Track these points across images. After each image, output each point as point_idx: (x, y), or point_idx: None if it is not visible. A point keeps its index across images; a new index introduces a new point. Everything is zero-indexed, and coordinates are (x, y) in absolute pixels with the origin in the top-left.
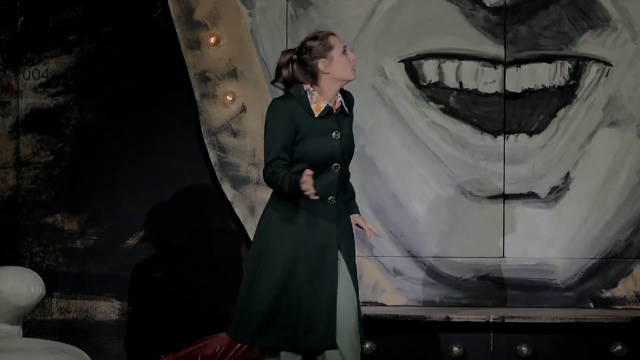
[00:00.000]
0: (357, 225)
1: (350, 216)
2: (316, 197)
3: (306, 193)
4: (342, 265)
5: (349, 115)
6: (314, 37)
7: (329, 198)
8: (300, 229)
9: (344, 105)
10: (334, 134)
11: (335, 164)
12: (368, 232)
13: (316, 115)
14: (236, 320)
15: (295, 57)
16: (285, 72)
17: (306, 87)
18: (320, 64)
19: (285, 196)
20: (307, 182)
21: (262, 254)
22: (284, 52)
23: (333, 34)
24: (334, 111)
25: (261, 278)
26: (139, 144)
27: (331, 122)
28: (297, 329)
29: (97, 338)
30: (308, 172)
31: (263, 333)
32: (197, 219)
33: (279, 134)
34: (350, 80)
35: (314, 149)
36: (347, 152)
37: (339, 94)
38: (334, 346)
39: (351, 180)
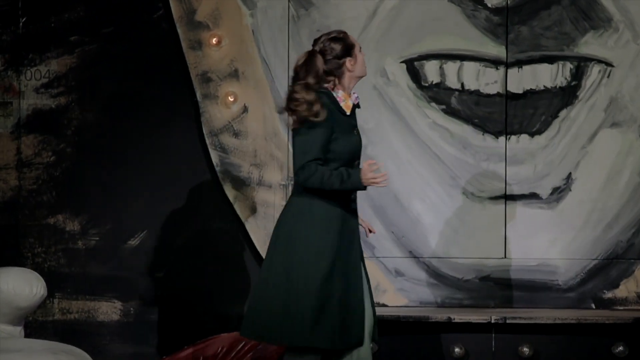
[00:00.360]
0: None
1: None
2: (385, 184)
3: (377, 180)
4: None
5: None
6: (335, 38)
7: (353, 197)
8: (337, 229)
9: (359, 101)
10: (355, 130)
11: (357, 160)
12: (367, 231)
13: (348, 113)
14: (286, 324)
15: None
16: (314, 78)
17: (327, 86)
18: (348, 62)
19: (326, 193)
20: (372, 172)
21: (303, 257)
22: (310, 61)
23: (346, 32)
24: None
25: (309, 280)
26: (140, 145)
27: (352, 119)
28: (340, 329)
29: (99, 339)
30: (370, 162)
31: (316, 334)
32: (199, 219)
33: (319, 134)
34: (363, 77)
35: (344, 147)
36: (360, 148)
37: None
38: (362, 344)
39: None
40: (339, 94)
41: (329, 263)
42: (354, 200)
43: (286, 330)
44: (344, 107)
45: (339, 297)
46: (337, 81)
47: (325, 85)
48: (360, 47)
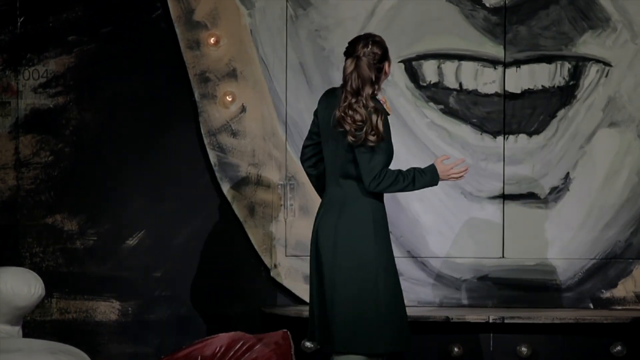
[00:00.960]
0: None
1: None
2: (465, 174)
3: (458, 173)
4: None
5: None
6: (376, 42)
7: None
8: (385, 231)
9: None
10: None
11: None
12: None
13: (389, 115)
14: (384, 333)
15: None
16: (369, 83)
17: (378, 96)
18: (387, 66)
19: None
20: (447, 165)
21: (382, 263)
22: (365, 70)
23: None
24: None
25: (395, 288)
26: (138, 145)
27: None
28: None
29: (97, 338)
30: (444, 157)
31: (409, 337)
32: (197, 219)
33: (390, 142)
34: None
35: (393, 149)
36: None
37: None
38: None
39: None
40: (380, 97)
41: (393, 265)
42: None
43: (399, 338)
44: (387, 110)
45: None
46: (377, 86)
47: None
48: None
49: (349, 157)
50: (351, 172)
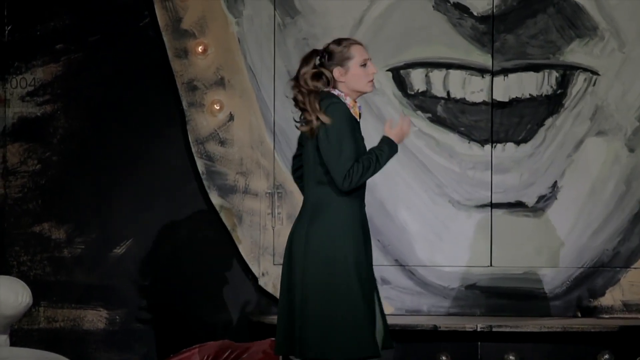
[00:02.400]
0: None
1: None
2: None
3: (405, 129)
4: None
5: None
6: (337, 42)
7: (364, 202)
8: (360, 239)
9: (361, 111)
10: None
11: None
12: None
13: (358, 120)
14: (342, 338)
15: (317, 59)
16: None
17: (336, 92)
18: (336, 71)
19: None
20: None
21: (344, 269)
22: (308, 58)
23: (358, 44)
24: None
25: (344, 291)
26: (126, 153)
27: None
28: (374, 333)
29: (85, 347)
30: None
31: (374, 342)
32: (185, 227)
33: (352, 139)
34: (365, 92)
35: (363, 151)
36: None
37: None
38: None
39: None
40: (347, 101)
41: (358, 276)
42: (363, 197)
43: (359, 343)
44: (354, 114)
45: (372, 307)
46: (330, 86)
47: (335, 90)
48: (366, 62)
49: (317, 161)
50: (322, 178)
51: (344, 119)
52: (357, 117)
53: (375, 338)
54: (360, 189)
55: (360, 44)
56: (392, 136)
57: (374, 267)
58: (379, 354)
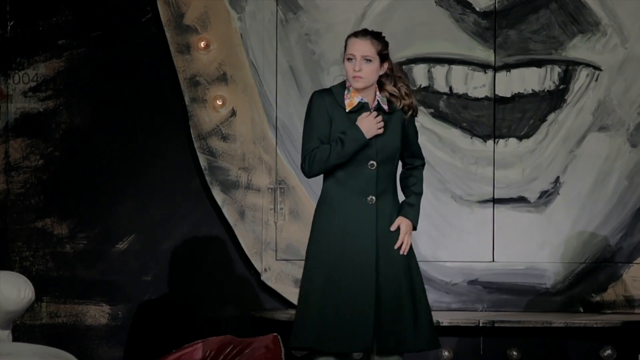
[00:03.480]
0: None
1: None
2: (380, 130)
3: (374, 127)
4: (386, 269)
5: (396, 115)
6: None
7: (368, 198)
8: (336, 234)
9: (381, 103)
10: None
11: (371, 162)
12: (400, 244)
13: (347, 110)
14: (294, 325)
15: None
16: None
17: (348, 82)
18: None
19: (337, 164)
20: (367, 116)
21: (307, 261)
22: None
23: (353, 36)
24: (371, 108)
25: (308, 285)
26: (128, 148)
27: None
28: (342, 334)
29: (87, 342)
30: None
31: (321, 338)
32: (187, 223)
33: (316, 125)
34: (358, 88)
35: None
36: (385, 151)
37: (380, 93)
38: (370, 349)
39: None
40: (349, 91)
41: (324, 274)
42: (371, 202)
43: (299, 334)
44: (346, 104)
45: (339, 307)
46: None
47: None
48: (350, 57)
49: None
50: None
51: (311, 107)
52: (348, 107)
53: (327, 334)
54: (354, 180)
55: (355, 36)
56: (361, 124)
57: None
58: (324, 348)
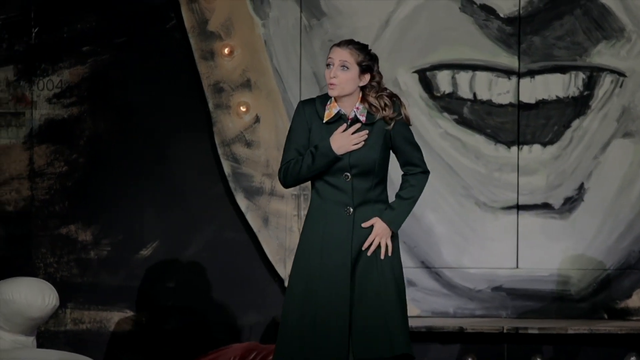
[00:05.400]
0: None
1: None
2: (362, 139)
3: (347, 143)
4: (362, 282)
5: (377, 126)
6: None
7: (345, 208)
8: (315, 242)
9: (357, 114)
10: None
11: (346, 173)
12: (369, 246)
13: (324, 121)
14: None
15: None
16: None
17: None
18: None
19: (312, 177)
20: (342, 131)
21: (291, 270)
22: None
23: (336, 44)
24: (348, 120)
25: (288, 294)
26: (152, 155)
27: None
28: (309, 349)
29: (111, 349)
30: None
31: (285, 351)
32: (211, 229)
33: (293, 136)
34: (332, 95)
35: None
36: (359, 164)
37: (359, 104)
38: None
39: None
40: (330, 101)
41: (302, 283)
42: (349, 213)
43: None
44: (324, 115)
45: (314, 319)
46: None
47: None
48: (328, 64)
49: None
50: None
51: (293, 117)
52: (326, 118)
53: (304, 345)
54: (332, 191)
55: (337, 44)
56: (333, 142)
57: None
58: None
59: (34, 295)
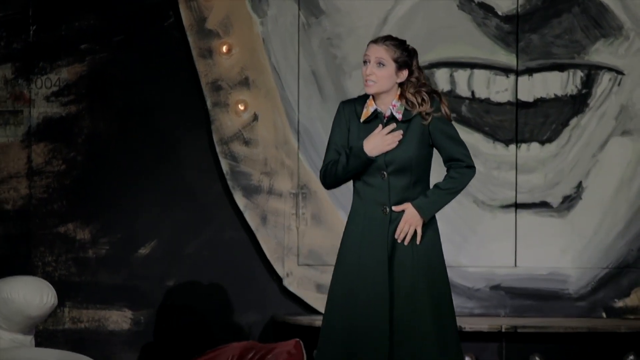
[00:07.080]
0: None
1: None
2: (397, 139)
3: (382, 144)
4: (400, 280)
5: (415, 122)
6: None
7: (382, 208)
8: (354, 241)
9: (393, 112)
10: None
11: (382, 171)
12: (399, 232)
13: (361, 120)
14: (320, 336)
15: None
16: None
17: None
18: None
19: (350, 177)
20: (378, 132)
21: (333, 270)
22: None
23: (372, 41)
24: (384, 118)
25: (330, 295)
26: (150, 153)
27: (376, 128)
28: (350, 349)
29: (109, 348)
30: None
31: (327, 353)
32: (209, 228)
33: (333, 137)
34: (370, 93)
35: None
36: (395, 162)
37: (397, 101)
38: None
39: None
40: (368, 100)
41: (342, 281)
42: (385, 212)
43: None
44: (362, 114)
45: (351, 317)
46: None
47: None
48: (365, 61)
49: None
50: None
51: (334, 120)
52: (363, 117)
53: (344, 349)
54: (369, 190)
55: (374, 41)
56: (367, 143)
57: None
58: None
59: (32, 294)
